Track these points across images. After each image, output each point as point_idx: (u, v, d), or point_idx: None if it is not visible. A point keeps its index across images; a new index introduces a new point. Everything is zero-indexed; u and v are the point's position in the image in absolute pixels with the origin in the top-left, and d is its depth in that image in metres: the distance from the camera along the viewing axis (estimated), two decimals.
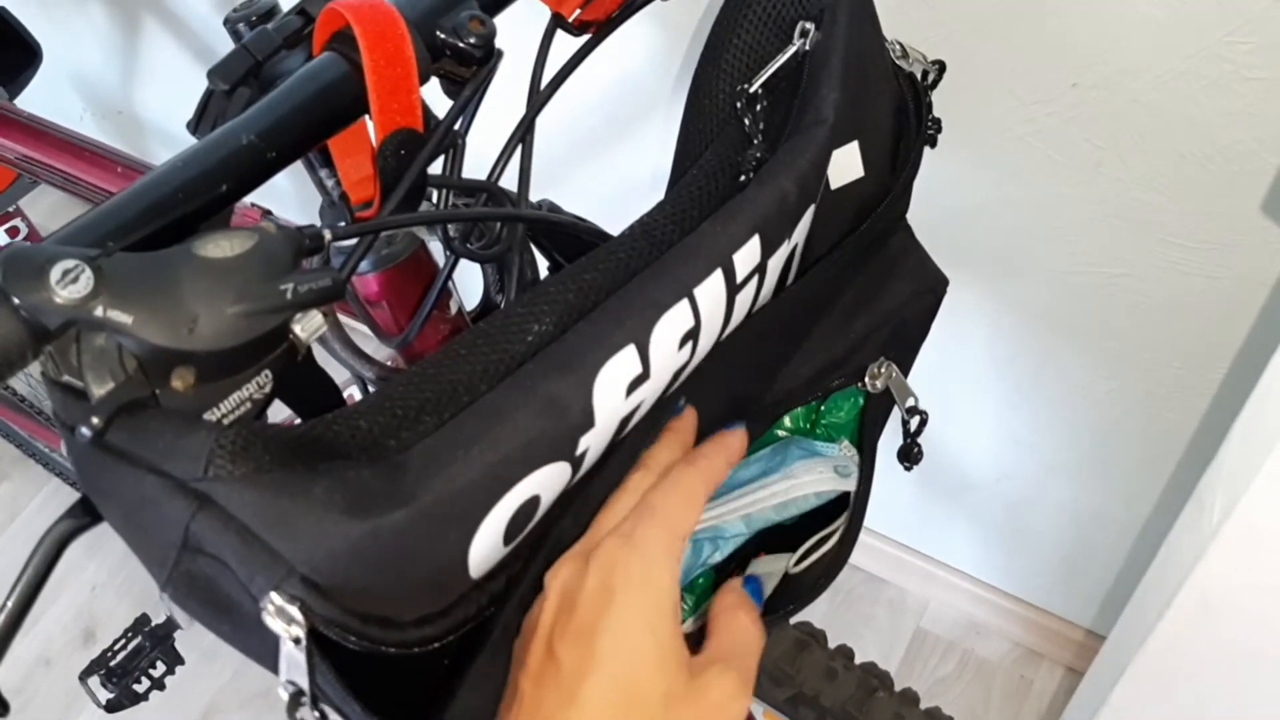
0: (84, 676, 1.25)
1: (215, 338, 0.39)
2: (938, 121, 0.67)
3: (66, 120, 1.48)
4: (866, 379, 0.67)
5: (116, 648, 1.26)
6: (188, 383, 0.40)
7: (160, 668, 1.28)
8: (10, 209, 1.18)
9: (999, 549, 1.45)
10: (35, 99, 1.23)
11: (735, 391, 0.60)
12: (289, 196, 1.50)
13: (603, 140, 1.23)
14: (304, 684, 0.42)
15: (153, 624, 1.27)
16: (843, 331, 0.65)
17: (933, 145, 0.67)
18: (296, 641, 0.40)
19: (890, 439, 0.71)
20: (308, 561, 0.39)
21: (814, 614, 1.57)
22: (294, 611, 0.39)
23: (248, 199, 0.66)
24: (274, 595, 0.39)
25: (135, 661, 1.27)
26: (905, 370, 0.69)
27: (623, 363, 0.46)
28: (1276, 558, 0.68)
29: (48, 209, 1.77)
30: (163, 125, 1.82)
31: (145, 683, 1.27)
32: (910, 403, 0.69)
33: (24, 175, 1.00)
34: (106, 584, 1.67)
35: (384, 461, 0.42)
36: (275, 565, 0.39)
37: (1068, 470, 1.25)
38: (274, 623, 0.39)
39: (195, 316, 0.39)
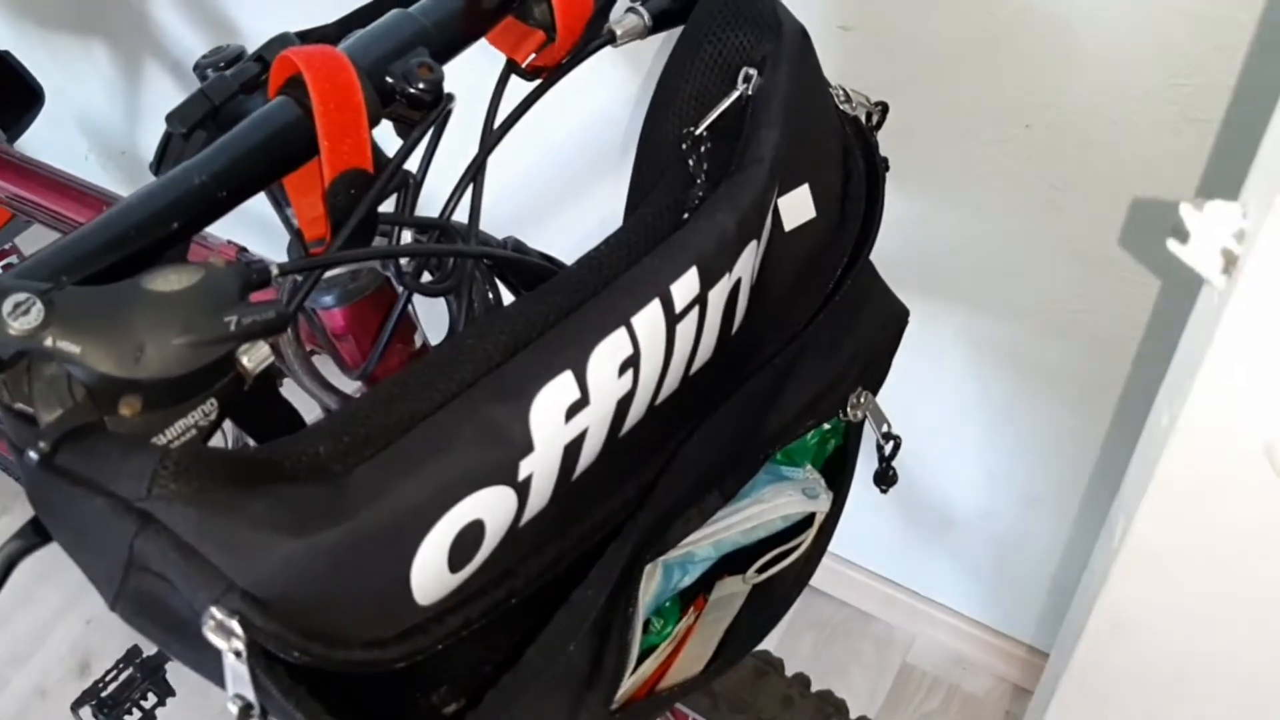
0: (76, 707, 1.27)
1: (161, 367, 0.41)
2: (885, 161, 0.69)
3: (71, 160, 1.51)
4: (848, 409, 0.69)
5: (108, 679, 1.28)
6: (135, 410, 0.42)
7: (151, 699, 1.29)
8: (6, 246, 1.21)
9: (984, 584, 1.45)
10: (42, 139, 1.26)
11: (727, 436, 0.62)
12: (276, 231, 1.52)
13: (575, 177, 1.25)
14: (250, 696, 0.44)
15: (144, 656, 1.29)
16: (823, 367, 0.67)
17: (881, 185, 0.69)
18: (238, 655, 0.41)
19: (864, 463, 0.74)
20: (247, 577, 0.41)
21: (800, 648, 1.57)
22: (234, 625, 0.40)
23: (223, 235, 0.68)
24: (214, 610, 0.40)
25: (126, 692, 1.29)
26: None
27: (560, 389, 0.48)
28: (1174, 577, 0.69)
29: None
30: None
31: (136, 713, 1.28)
32: (885, 428, 0.71)
33: (18, 215, 1.03)
34: (102, 616, 1.68)
35: (326, 482, 0.44)
36: (215, 581, 0.41)
37: (1046, 504, 1.25)
38: (214, 637, 0.41)
39: (142, 346, 0.41)
